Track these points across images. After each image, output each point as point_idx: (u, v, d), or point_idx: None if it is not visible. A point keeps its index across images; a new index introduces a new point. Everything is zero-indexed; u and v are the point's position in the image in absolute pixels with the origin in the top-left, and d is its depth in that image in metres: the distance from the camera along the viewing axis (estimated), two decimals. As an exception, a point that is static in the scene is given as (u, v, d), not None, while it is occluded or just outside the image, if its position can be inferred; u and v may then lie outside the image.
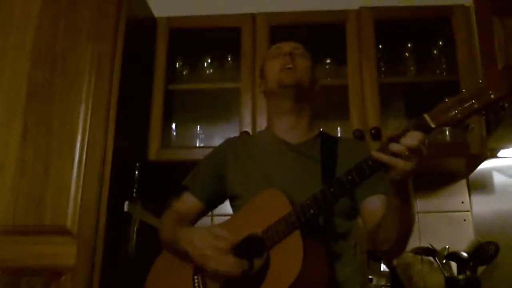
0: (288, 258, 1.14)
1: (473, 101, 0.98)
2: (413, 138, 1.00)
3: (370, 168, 1.07)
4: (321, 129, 1.50)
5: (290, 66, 1.40)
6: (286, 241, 1.16)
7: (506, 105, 0.99)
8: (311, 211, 1.15)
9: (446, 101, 1.02)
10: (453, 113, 1.00)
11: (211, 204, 1.50)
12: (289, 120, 1.44)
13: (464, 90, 1.01)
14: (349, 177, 1.10)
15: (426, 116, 1.02)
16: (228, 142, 1.54)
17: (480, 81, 1.03)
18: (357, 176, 1.09)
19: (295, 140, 1.42)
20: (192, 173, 1.52)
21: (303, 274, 1.10)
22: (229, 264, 1.19)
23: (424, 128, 1.02)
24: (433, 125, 1.01)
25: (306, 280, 1.11)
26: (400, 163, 1.01)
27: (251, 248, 1.22)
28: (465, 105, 0.99)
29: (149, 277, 1.41)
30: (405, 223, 1.16)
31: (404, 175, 1.03)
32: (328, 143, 1.41)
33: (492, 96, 0.97)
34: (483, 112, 0.99)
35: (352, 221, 1.34)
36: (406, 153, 1.00)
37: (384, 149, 1.03)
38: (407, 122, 2.25)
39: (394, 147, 1.01)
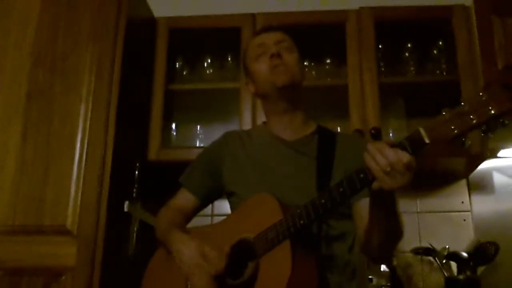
0: (276, 269, 1.13)
1: (472, 116, 0.91)
2: (397, 159, 0.95)
3: (362, 182, 1.04)
4: (317, 123, 1.46)
5: (281, 68, 1.34)
6: (276, 251, 1.15)
7: (507, 122, 0.91)
8: (301, 221, 1.13)
9: (443, 114, 0.95)
10: (450, 128, 0.93)
11: (207, 199, 1.50)
12: (284, 119, 1.41)
13: (463, 103, 0.93)
14: (340, 189, 1.07)
15: (422, 130, 0.96)
16: (224, 137, 1.53)
17: (481, 93, 0.92)
18: (348, 189, 1.06)
19: (291, 137, 1.40)
20: (188, 169, 1.52)
21: (291, 284, 1.09)
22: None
23: (418, 143, 0.96)
24: (427, 141, 0.95)
25: None
26: (380, 176, 0.97)
27: (244, 252, 1.21)
28: (463, 120, 0.92)
29: (145, 276, 1.41)
30: (391, 234, 1.14)
31: (385, 189, 0.99)
32: (326, 139, 1.39)
33: (492, 111, 0.90)
34: (483, 128, 0.92)
35: (347, 222, 1.31)
36: (388, 169, 0.95)
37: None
38: (407, 123, 2.28)
39: (379, 159, 0.97)
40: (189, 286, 1.27)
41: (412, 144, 0.97)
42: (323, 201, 1.11)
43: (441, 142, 0.95)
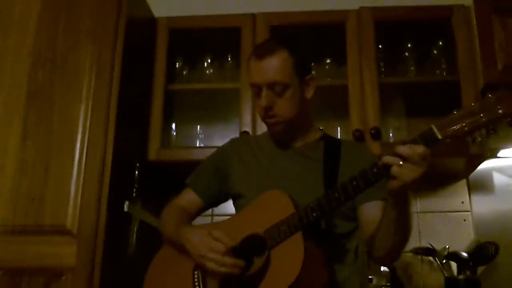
0: (288, 259, 1.15)
1: (481, 114, 0.99)
2: (411, 150, 1.01)
3: (375, 176, 1.09)
4: (323, 131, 1.49)
5: (272, 121, 1.36)
6: (287, 242, 1.18)
7: None
8: (314, 214, 1.17)
9: (454, 113, 1.02)
10: (461, 125, 1.01)
11: (211, 202, 1.52)
12: (288, 135, 1.43)
13: (473, 104, 1.01)
14: (354, 183, 1.12)
15: (434, 127, 1.03)
16: (232, 142, 1.55)
17: (490, 95, 1.01)
18: (362, 182, 1.11)
19: (298, 143, 1.42)
20: (195, 171, 1.54)
21: (302, 276, 1.11)
22: (226, 265, 1.22)
23: (431, 139, 1.03)
24: (439, 136, 1.02)
25: (304, 282, 1.12)
26: (397, 171, 1.02)
27: (253, 247, 1.23)
28: (473, 119, 1.00)
29: (150, 269, 1.42)
30: (401, 233, 1.17)
31: (403, 185, 1.04)
32: (331, 145, 1.42)
33: (500, 111, 0.98)
34: (491, 127, 1.00)
35: (353, 223, 1.34)
36: (400, 162, 1.01)
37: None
38: (407, 123, 2.28)
39: (396, 149, 1.02)
40: (196, 277, 1.29)
41: (425, 139, 1.03)
42: (336, 194, 1.15)
43: (453, 138, 1.02)
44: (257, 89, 1.35)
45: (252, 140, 1.56)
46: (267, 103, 1.33)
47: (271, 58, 1.33)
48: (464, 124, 1.00)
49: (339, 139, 1.49)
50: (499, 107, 0.98)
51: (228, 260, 1.22)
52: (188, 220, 1.47)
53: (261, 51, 1.36)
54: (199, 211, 1.51)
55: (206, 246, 1.25)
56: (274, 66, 1.32)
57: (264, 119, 1.38)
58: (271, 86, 1.32)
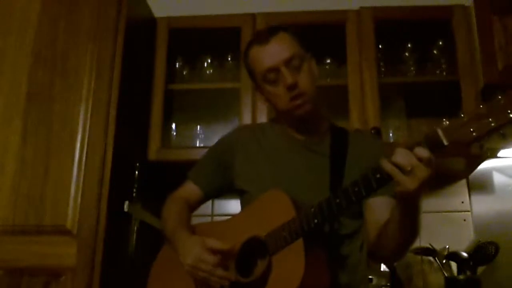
0: (290, 267, 1.13)
1: (490, 119, 0.90)
2: (414, 158, 0.95)
3: (377, 182, 1.03)
4: (330, 121, 1.44)
5: (300, 101, 1.27)
6: (288, 249, 1.15)
7: None
8: (315, 220, 1.13)
9: (462, 117, 0.93)
10: (469, 130, 0.92)
11: (212, 194, 1.50)
12: (299, 124, 1.38)
13: (481, 106, 0.92)
14: (356, 189, 1.07)
15: (440, 131, 0.94)
16: (237, 131, 1.51)
17: (500, 96, 0.91)
18: (364, 189, 1.05)
19: (304, 136, 1.38)
20: (197, 163, 1.51)
21: (304, 283, 1.09)
22: (216, 276, 1.20)
23: (436, 144, 0.94)
24: (445, 142, 0.93)
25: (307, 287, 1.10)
26: (402, 178, 0.97)
27: (254, 250, 1.21)
28: (482, 123, 0.91)
29: (154, 267, 1.41)
30: (407, 235, 1.15)
31: (408, 193, 0.99)
32: (339, 138, 1.37)
33: (511, 115, 0.89)
34: (501, 132, 0.91)
35: (359, 220, 1.30)
36: (408, 168, 0.95)
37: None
38: (407, 123, 2.28)
39: (396, 158, 0.97)
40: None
41: (430, 144, 0.96)
42: (338, 200, 1.10)
43: (460, 144, 0.94)
44: (273, 74, 1.29)
45: (257, 129, 1.49)
46: (293, 79, 1.26)
47: (277, 37, 1.31)
48: (472, 129, 0.91)
49: (346, 130, 1.42)
50: (509, 110, 0.89)
51: (219, 272, 1.19)
52: (189, 213, 1.45)
53: (263, 37, 1.33)
54: (200, 202, 1.49)
55: (197, 257, 1.22)
56: (285, 41, 1.31)
57: (290, 103, 1.28)
58: (288, 62, 1.27)
